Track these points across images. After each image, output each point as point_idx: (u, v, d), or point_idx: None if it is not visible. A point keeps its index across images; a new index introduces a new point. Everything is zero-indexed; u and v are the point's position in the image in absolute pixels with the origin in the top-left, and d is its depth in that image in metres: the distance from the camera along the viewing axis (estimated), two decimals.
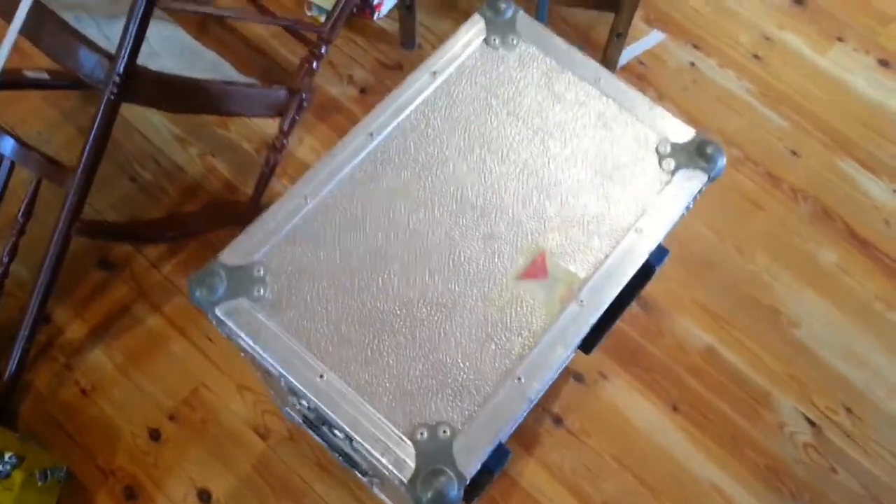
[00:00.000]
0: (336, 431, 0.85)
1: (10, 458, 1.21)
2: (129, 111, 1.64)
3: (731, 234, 1.57)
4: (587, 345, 1.22)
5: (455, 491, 0.70)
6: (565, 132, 0.87)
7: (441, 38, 1.75)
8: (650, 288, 1.51)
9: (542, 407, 1.41)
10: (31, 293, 1.26)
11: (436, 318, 0.78)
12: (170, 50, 1.36)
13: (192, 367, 1.42)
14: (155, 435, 1.37)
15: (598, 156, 0.86)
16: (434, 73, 0.89)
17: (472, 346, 0.77)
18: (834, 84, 1.72)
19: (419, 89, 0.88)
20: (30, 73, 1.52)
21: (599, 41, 1.73)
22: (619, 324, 1.49)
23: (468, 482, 0.71)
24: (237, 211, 1.52)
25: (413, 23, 1.66)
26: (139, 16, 1.10)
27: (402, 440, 0.72)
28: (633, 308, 1.51)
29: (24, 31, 1.17)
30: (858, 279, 1.54)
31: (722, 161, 0.86)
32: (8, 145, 1.19)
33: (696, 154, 0.86)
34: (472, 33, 0.91)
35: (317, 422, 0.89)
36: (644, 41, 1.75)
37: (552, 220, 0.82)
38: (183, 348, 1.44)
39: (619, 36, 1.60)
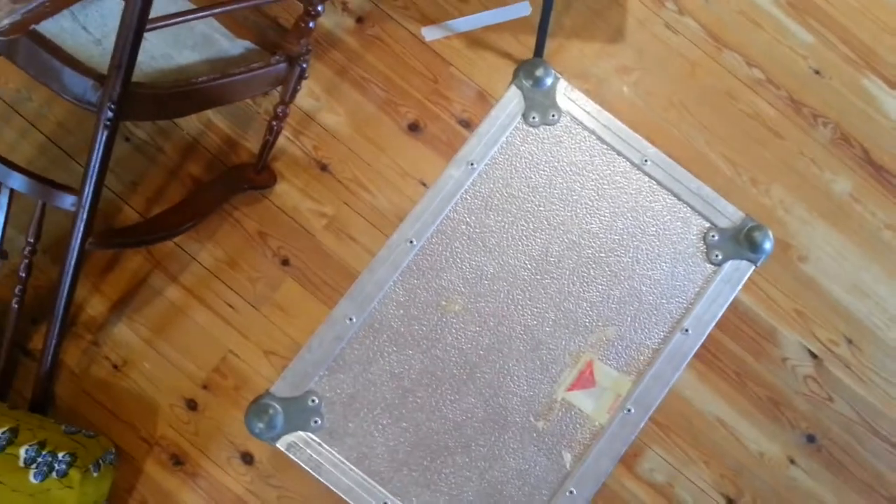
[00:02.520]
0: None
1: (63, 456, 1.28)
2: None
3: (749, 166, 1.54)
4: None
5: None
6: (610, 223, 0.84)
7: None
8: None
9: None
10: (54, 301, 1.25)
11: (488, 435, 0.80)
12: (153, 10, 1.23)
13: (217, 335, 1.46)
14: (191, 404, 1.44)
15: (644, 248, 0.84)
16: (471, 163, 0.83)
17: (524, 461, 0.80)
18: None
19: (457, 184, 0.83)
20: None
21: None
22: None
23: None
24: (244, 176, 1.47)
25: None
26: (129, 41, 0.99)
27: None
28: None
29: (4, 52, 1.06)
30: (870, 208, 1.55)
31: (770, 246, 0.84)
32: (14, 178, 1.12)
33: (744, 241, 0.84)
34: (509, 110, 0.84)
35: None
36: None
37: (598, 323, 0.82)
38: (206, 318, 1.46)
39: None
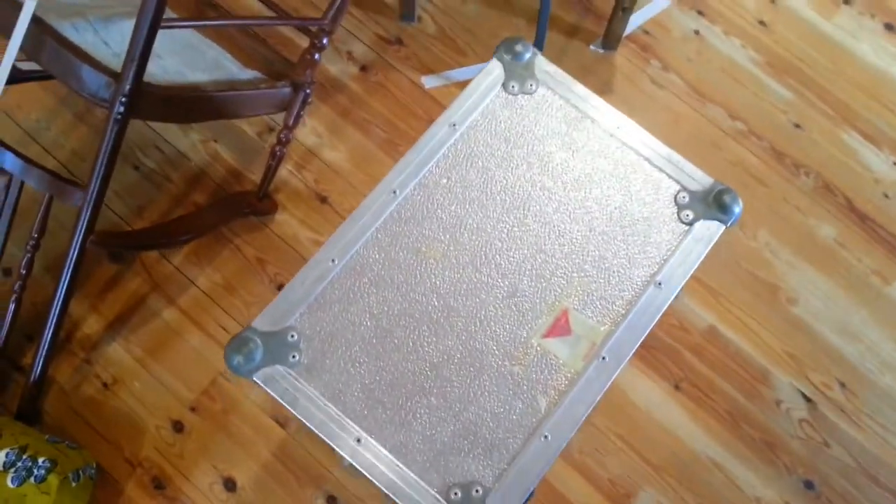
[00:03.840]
0: None
1: (43, 462, 1.26)
2: None
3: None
4: None
5: None
6: (585, 183, 0.88)
7: (441, 10, 1.71)
8: None
9: None
10: (51, 303, 1.28)
11: (464, 378, 0.81)
12: (171, 49, 1.33)
13: (209, 357, 1.46)
14: (178, 426, 1.43)
15: (617, 207, 0.87)
16: (453, 124, 0.89)
17: (499, 405, 0.80)
18: (839, 51, 1.71)
19: (439, 143, 0.88)
20: (23, 66, 1.49)
21: (604, 12, 1.69)
22: None
23: None
24: (246, 202, 1.53)
25: None
26: (143, 36, 1.08)
27: (438, 500, 0.77)
28: None
29: (24, 47, 1.15)
30: (857, 254, 1.58)
31: (738, 210, 0.87)
32: (16, 164, 1.18)
33: (713, 203, 0.87)
34: (490, 80, 0.91)
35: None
36: (649, 8, 1.72)
37: (574, 274, 0.84)
38: (199, 339, 1.47)
39: (624, 10, 1.57)
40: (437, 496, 0.77)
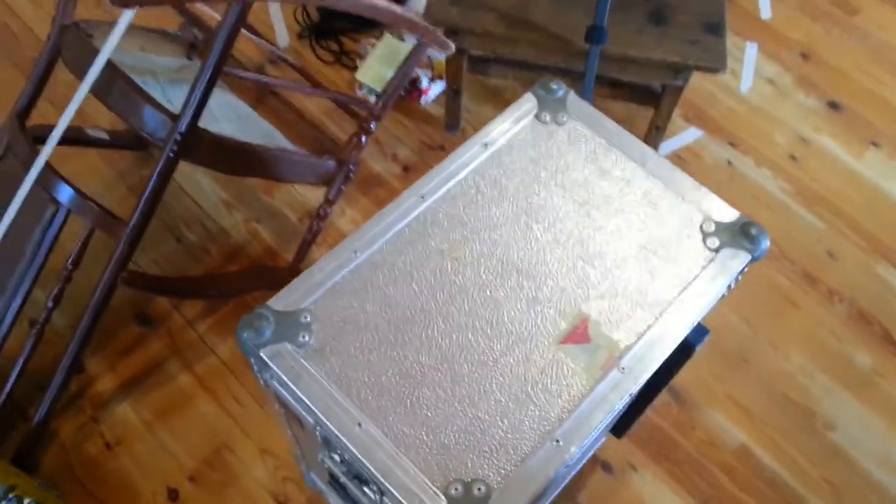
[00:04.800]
0: (367, 489, 0.84)
1: (29, 502, 1.20)
2: (181, 176, 1.70)
3: (766, 330, 1.56)
4: (619, 428, 1.21)
5: None
6: (611, 206, 0.89)
7: (484, 123, 1.81)
8: (683, 378, 1.49)
9: (569, 497, 1.37)
10: (70, 340, 1.28)
11: (476, 375, 0.78)
12: (227, 116, 1.42)
13: (217, 427, 1.42)
14: (173, 495, 1.36)
15: (642, 231, 0.87)
16: (485, 144, 0.92)
17: (511, 405, 0.76)
18: (869, 188, 1.74)
19: (470, 158, 0.91)
20: (90, 131, 1.60)
21: (639, 133, 1.77)
22: (650, 414, 1.46)
23: None
24: (275, 276, 1.55)
25: (459, 107, 1.72)
26: (205, 81, 1.16)
27: (437, 495, 0.71)
28: (665, 398, 1.49)
29: (94, 88, 1.24)
30: (895, 384, 1.51)
31: (766, 243, 0.87)
32: (66, 194, 1.24)
33: (740, 234, 0.87)
34: (524, 109, 0.95)
35: (348, 476, 0.87)
36: (682, 136, 1.80)
37: (596, 288, 0.83)
38: (210, 409, 1.44)
39: (657, 129, 1.65)
40: (437, 491, 0.71)
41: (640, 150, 0.93)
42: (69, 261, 1.25)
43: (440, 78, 1.83)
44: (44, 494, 1.23)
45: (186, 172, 1.71)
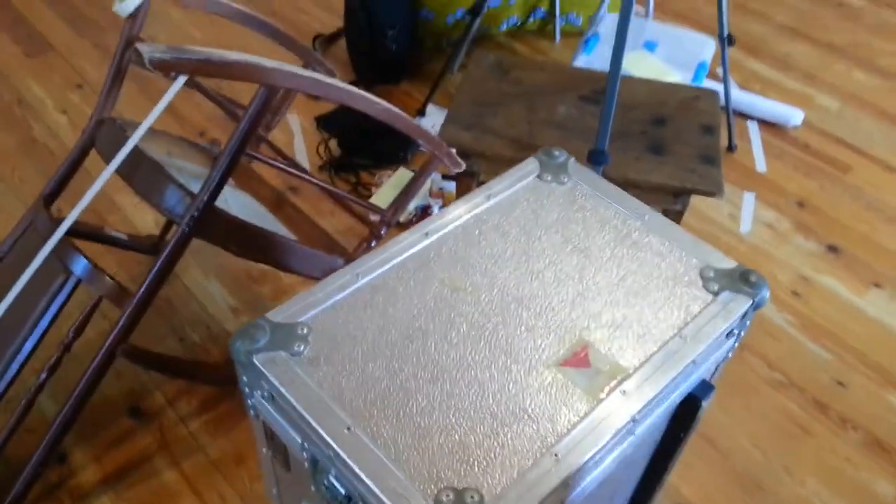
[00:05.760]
0: None
1: None
2: (192, 283, 1.73)
3: (779, 456, 1.49)
4: None
5: None
6: (612, 251, 0.91)
7: None
8: (694, 496, 1.41)
9: None
10: (61, 409, 1.25)
11: (472, 390, 0.76)
12: (244, 213, 1.48)
13: None
14: None
15: (642, 273, 0.89)
16: (488, 196, 0.96)
17: (508, 418, 0.74)
18: (874, 324, 1.74)
19: (474, 206, 0.94)
20: (109, 231, 1.66)
21: None
22: None
23: None
24: None
25: None
26: (227, 159, 1.23)
27: (427, 502, 0.67)
28: None
29: (120, 169, 1.31)
30: None
31: (765, 291, 0.87)
32: (80, 265, 1.27)
33: (739, 280, 0.88)
34: (526, 171, 1.00)
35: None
36: None
37: (596, 320, 0.83)
38: None
39: None
40: (427, 498, 0.67)
41: (639, 208, 0.96)
42: (71, 329, 1.26)
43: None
44: None
45: (198, 280, 1.75)
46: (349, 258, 1.47)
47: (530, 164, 1.01)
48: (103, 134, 1.40)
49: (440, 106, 2.23)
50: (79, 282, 1.27)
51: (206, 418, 1.49)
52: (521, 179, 0.99)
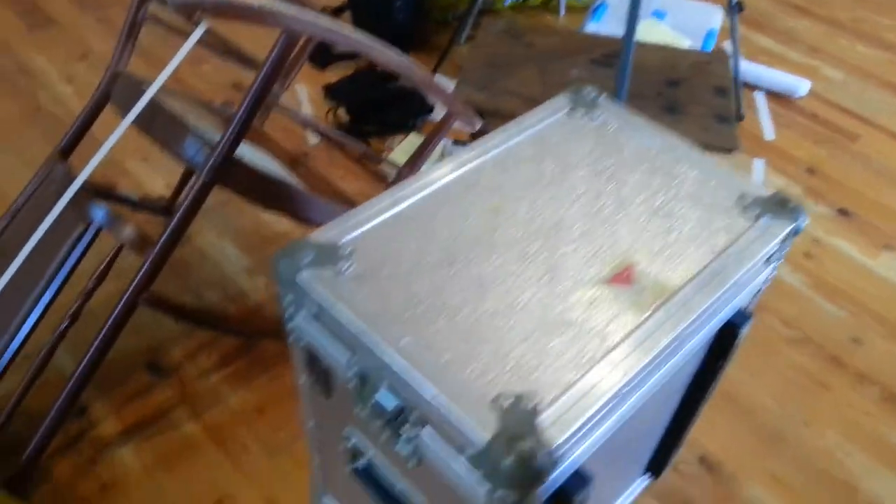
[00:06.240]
0: (405, 433, 0.78)
1: None
2: (206, 244, 1.73)
3: (798, 410, 1.50)
4: (657, 463, 1.14)
5: (539, 460, 0.64)
6: (648, 184, 0.91)
7: None
8: (717, 451, 1.42)
9: None
10: (81, 360, 1.24)
11: (520, 306, 0.76)
12: (261, 168, 1.47)
13: (220, 476, 1.33)
14: None
15: (682, 202, 0.89)
16: (520, 129, 0.96)
17: (558, 332, 0.74)
18: (888, 285, 1.75)
19: (507, 137, 0.94)
20: (121, 193, 1.65)
21: None
22: (686, 486, 1.38)
23: (553, 456, 0.64)
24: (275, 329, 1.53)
25: None
26: (248, 107, 1.22)
27: (483, 407, 0.67)
28: (699, 471, 1.41)
29: (137, 120, 1.30)
30: None
31: (804, 216, 0.88)
32: (100, 213, 1.26)
33: (778, 206, 0.88)
34: (557, 106, 1.00)
35: (384, 424, 0.81)
36: None
37: (637, 244, 0.83)
38: (215, 457, 1.36)
39: None
40: (483, 403, 0.67)
41: (673, 140, 0.96)
42: (93, 276, 1.25)
43: None
44: None
45: (213, 241, 1.74)
46: None
47: (560, 101, 1.01)
48: (119, 87, 1.38)
49: (448, 76, 2.22)
50: (99, 231, 1.26)
51: (226, 372, 1.49)
52: (552, 114, 0.99)
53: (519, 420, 0.66)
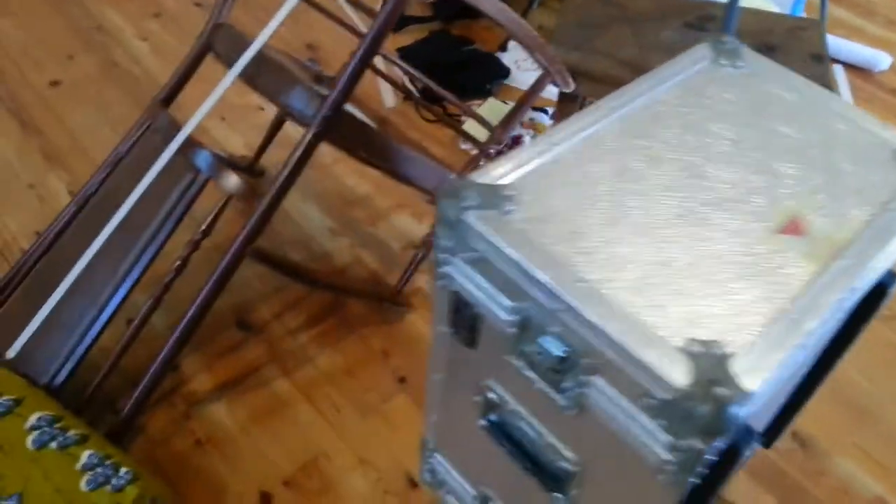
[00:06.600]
0: (565, 383, 0.77)
1: (125, 472, 1.11)
2: (289, 204, 1.71)
3: (888, 387, 1.47)
4: (771, 433, 1.12)
5: (738, 407, 0.61)
6: (803, 135, 0.88)
7: None
8: (809, 426, 1.39)
9: None
10: (188, 308, 1.23)
11: (693, 254, 0.74)
12: None
13: (314, 435, 1.33)
14: (266, 498, 1.24)
15: (839, 153, 0.86)
16: (661, 79, 0.94)
17: (743, 279, 0.72)
18: None
19: (649, 87, 0.92)
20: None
21: None
22: (776, 458, 1.36)
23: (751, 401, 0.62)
24: (382, 292, 1.52)
25: None
26: (360, 58, 1.20)
27: (673, 354, 0.65)
28: (790, 445, 1.39)
29: (243, 74, 1.28)
30: None
31: None
32: (207, 161, 1.25)
33: None
34: (699, 55, 0.97)
35: (542, 371, 0.79)
36: None
37: (800, 195, 0.81)
38: (307, 416, 1.35)
39: None
40: (673, 346, 0.65)
41: (820, 91, 0.93)
42: (202, 228, 1.24)
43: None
44: (139, 469, 1.13)
45: (296, 203, 1.72)
46: (462, 174, 1.45)
47: (701, 50, 0.98)
48: (221, 37, 1.37)
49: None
50: (207, 181, 1.25)
51: (314, 332, 1.48)
52: (694, 64, 0.96)
53: (713, 366, 0.64)
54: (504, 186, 0.78)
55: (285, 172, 1.22)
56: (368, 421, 1.35)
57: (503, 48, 2.16)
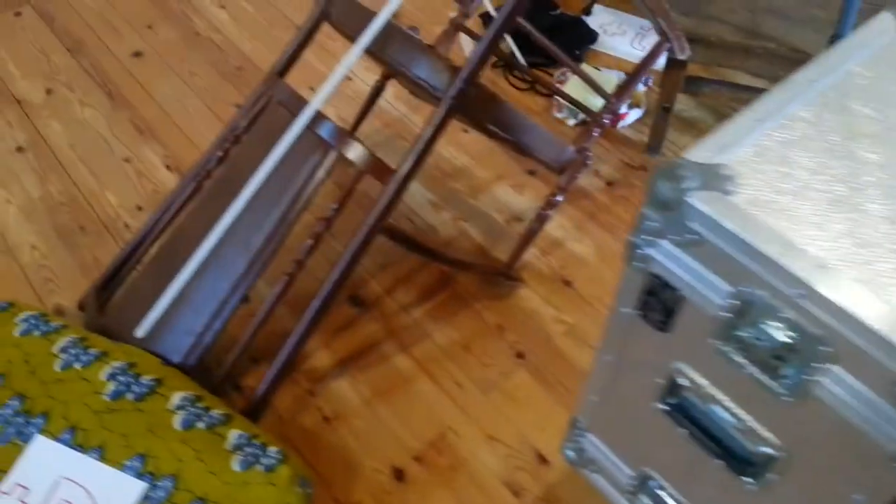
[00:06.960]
0: (783, 370, 0.75)
1: (274, 452, 1.10)
2: None
3: None
4: None
5: None
6: None
7: (681, 150, 1.80)
8: None
9: None
10: (321, 287, 1.22)
11: None
12: None
13: (439, 410, 1.32)
14: (399, 475, 1.24)
15: None
16: (849, 48, 0.90)
17: None
18: None
19: (840, 59, 0.89)
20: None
21: None
22: None
23: None
24: (494, 267, 1.50)
25: (666, 127, 1.72)
26: (495, 31, 1.16)
27: None
28: None
29: (371, 46, 1.25)
30: None
31: None
32: (334, 135, 1.22)
33: None
34: (882, 25, 0.93)
35: (754, 358, 0.77)
36: None
37: None
38: (430, 391, 1.35)
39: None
40: None
41: None
42: (335, 202, 1.22)
43: (637, 106, 1.84)
44: (286, 447, 1.13)
45: None
46: (578, 147, 1.42)
47: (884, 20, 0.94)
48: (339, 6, 1.33)
49: (607, 7, 2.13)
50: (338, 156, 1.22)
51: (427, 307, 1.46)
52: (879, 35, 0.92)
53: None
54: (724, 166, 0.76)
55: (420, 146, 1.19)
56: (491, 397, 1.34)
57: (587, 12, 2.11)
